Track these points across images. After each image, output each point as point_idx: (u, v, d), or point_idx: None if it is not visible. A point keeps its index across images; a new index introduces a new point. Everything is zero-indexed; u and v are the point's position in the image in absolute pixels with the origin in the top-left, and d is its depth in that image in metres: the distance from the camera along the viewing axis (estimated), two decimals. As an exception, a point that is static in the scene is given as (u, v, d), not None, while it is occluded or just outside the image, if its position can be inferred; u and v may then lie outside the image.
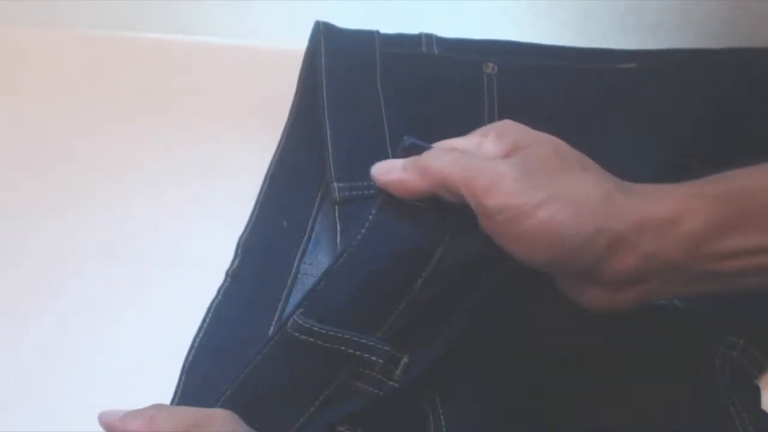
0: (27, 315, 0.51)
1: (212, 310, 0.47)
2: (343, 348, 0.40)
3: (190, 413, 0.38)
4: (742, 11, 0.58)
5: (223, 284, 0.49)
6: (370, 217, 0.41)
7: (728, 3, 0.58)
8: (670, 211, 0.37)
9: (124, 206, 0.55)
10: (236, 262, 0.50)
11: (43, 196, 0.56)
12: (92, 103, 0.60)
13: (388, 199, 0.41)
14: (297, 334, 0.40)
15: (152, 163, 0.57)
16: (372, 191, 0.43)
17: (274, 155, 0.54)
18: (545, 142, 0.40)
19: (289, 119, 0.55)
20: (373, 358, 0.40)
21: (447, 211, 0.40)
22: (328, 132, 0.50)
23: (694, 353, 0.44)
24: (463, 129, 0.42)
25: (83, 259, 0.53)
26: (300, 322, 0.40)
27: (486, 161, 0.39)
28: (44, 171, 0.57)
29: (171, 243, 0.53)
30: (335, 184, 0.48)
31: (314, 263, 0.50)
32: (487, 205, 0.37)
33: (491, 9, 0.63)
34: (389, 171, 0.40)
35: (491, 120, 0.53)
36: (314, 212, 0.52)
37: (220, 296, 0.48)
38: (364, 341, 0.40)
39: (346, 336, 0.40)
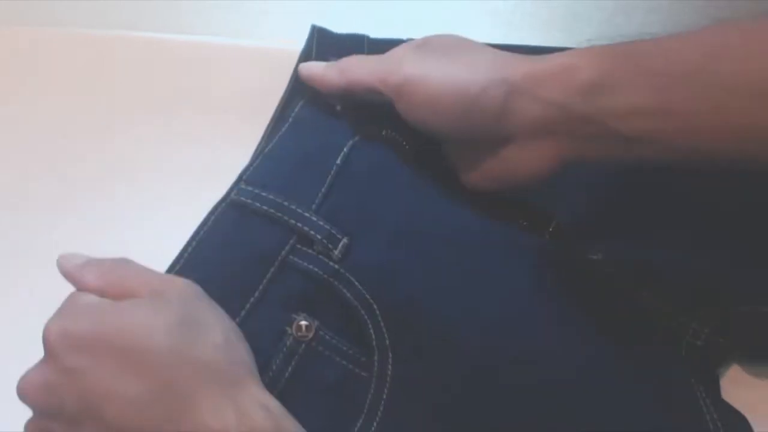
0: (27, 313, 0.51)
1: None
2: (285, 218, 0.42)
3: (153, 276, 0.38)
4: (731, 11, 0.58)
5: None
6: (294, 112, 0.47)
7: (717, 3, 0.60)
8: (564, 62, 0.40)
9: (124, 205, 0.56)
10: None
11: (42, 195, 0.56)
12: (92, 103, 0.60)
13: (309, 100, 0.47)
14: (243, 199, 0.43)
15: (151, 163, 0.57)
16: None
17: (260, 142, 0.54)
18: (446, 35, 0.45)
19: (276, 111, 0.55)
20: (312, 232, 0.42)
21: (358, 113, 0.47)
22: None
23: (662, 342, 0.45)
24: None
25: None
26: (244, 188, 0.43)
27: (392, 52, 0.45)
28: (43, 170, 0.57)
29: (170, 242, 0.53)
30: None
31: None
32: (392, 82, 0.43)
33: (478, 10, 0.64)
34: (312, 67, 0.48)
35: None
36: None
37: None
38: (307, 215, 0.43)
39: (290, 205, 0.43)
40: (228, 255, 0.42)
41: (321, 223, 0.43)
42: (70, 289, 0.51)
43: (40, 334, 0.50)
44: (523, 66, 0.41)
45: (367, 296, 0.41)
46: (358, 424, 0.40)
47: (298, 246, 0.43)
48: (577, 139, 0.40)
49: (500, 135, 0.42)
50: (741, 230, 0.45)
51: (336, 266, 0.42)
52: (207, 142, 0.58)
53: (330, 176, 0.44)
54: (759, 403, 0.45)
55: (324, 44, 0.55)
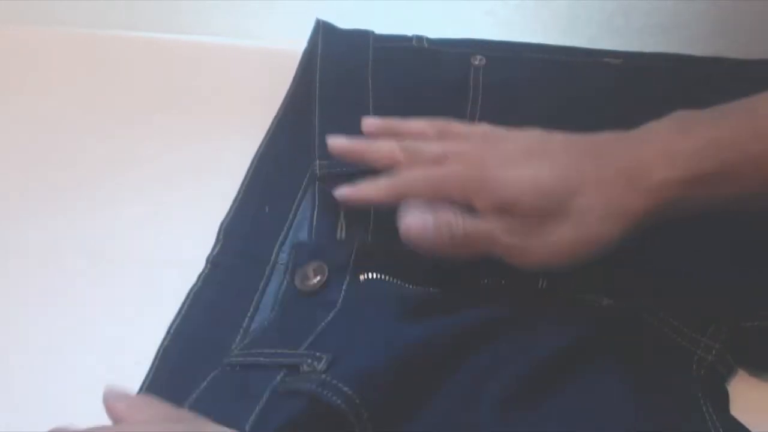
0: (27, 315, 0.51)
1: (191, 296, 0.48)
2: (271, 361, 0.42)
3: (164, 407, 0.40)
4: (731, 13, 0.59)
5: (203, 271, 0.49)
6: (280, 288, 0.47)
7: (717, 4, 0.60)
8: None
9: (123, 205, 0.55)
10: (217, 248, 0.50)
11: (41, 195, 0.56)
12: (91, 102, 0.60)
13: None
14: (233, 359, 0.43)
15: (151, 163, 0.57)
16: (350, 171, 0.47)
17: (263, 141, 0.55)
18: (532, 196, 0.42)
19: (281, 109, 0.56)
20: (298, 362, 0.41)
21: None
22: (317, 115, 0.51)
23: (673, 357, 0.45)
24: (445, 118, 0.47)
25: (77, 259, 0.53)
26: (234, 357, 0.44)
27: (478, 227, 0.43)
28: (43, 170, 0.57)
29: (169, 243, 0.53)
30: (317, 162, 0.49)
31: None
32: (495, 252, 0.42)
33: (478, 10, 0.64)
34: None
35: (474, 111, 0.54)
36: (297, 202, 0.52)
37: (200, 283, 0.49)
38: (291, 352, 0.42)
39: (278, 351, 0.43)
40: (219, 397, 0.42)
41: (303, 352, 0.42)
42: (68, 288, 0.52)
43: (39, 333, 0.50)
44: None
45: (356, 400, 0.40)
46: None
47: (286, 379, 0.42)
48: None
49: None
50: (749, 245, 0.45)
51: (323, 376, 0.41)
52: (207, 142, 0.58)
53: (324, 323, 0.44)
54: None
55: (329, 38, 0.55)
